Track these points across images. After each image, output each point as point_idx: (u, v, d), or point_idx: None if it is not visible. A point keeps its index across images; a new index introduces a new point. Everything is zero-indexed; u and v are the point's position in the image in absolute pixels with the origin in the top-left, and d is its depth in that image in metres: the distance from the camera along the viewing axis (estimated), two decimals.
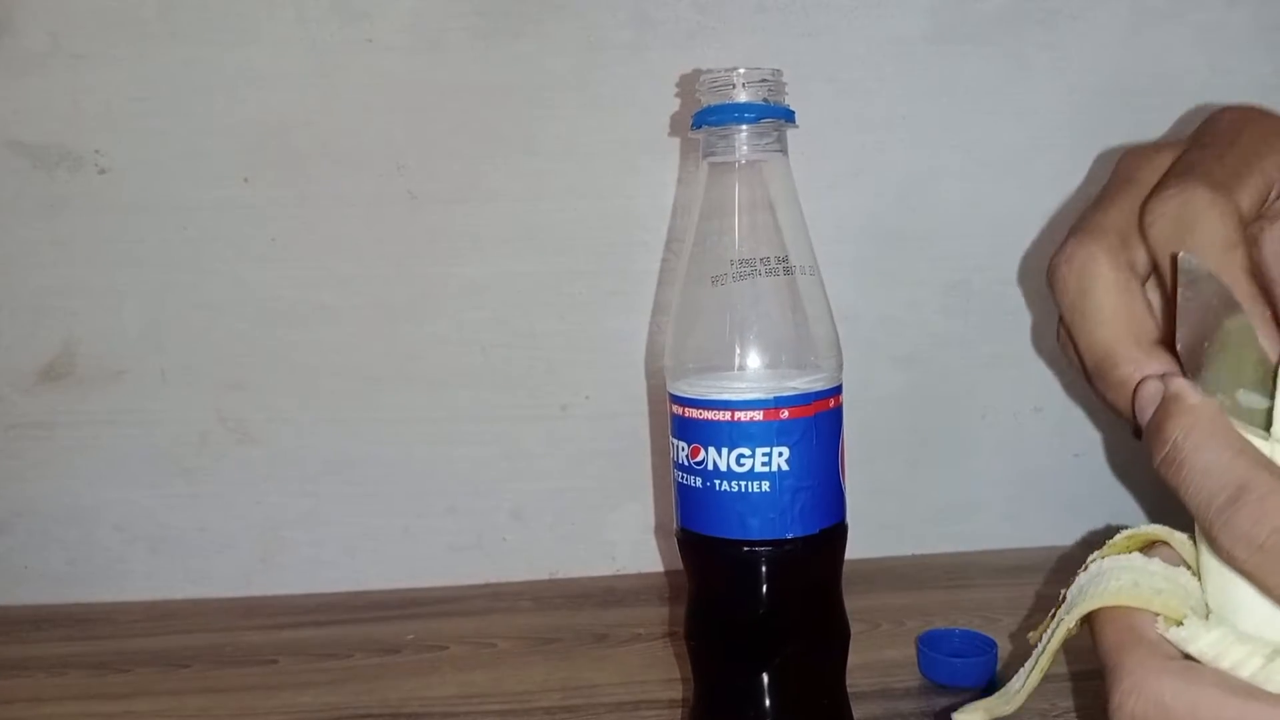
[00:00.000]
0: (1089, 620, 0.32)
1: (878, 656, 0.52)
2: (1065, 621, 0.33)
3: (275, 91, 0.61)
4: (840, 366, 0.39)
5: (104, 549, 0.65)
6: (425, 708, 0.49)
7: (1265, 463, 0.28)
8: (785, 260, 0.37)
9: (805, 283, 0.38)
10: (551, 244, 0.62)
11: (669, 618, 0.59)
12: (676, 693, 0.50)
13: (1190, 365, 0.30)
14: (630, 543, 0.66)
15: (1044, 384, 0.65)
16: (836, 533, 0.39)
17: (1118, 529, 0.34)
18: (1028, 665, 0.35)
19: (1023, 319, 0.64)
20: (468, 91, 0.61)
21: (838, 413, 0.39)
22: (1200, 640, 0.29)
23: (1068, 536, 0.64)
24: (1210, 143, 0.34)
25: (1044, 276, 0.36)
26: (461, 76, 0.61)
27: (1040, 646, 0.35)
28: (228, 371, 0.63)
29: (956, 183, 0.63)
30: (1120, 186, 0.35)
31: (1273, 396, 0.30)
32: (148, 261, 0.62)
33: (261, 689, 0.52)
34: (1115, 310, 0.33)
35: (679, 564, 0.41)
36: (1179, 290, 0.30)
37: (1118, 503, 0.65)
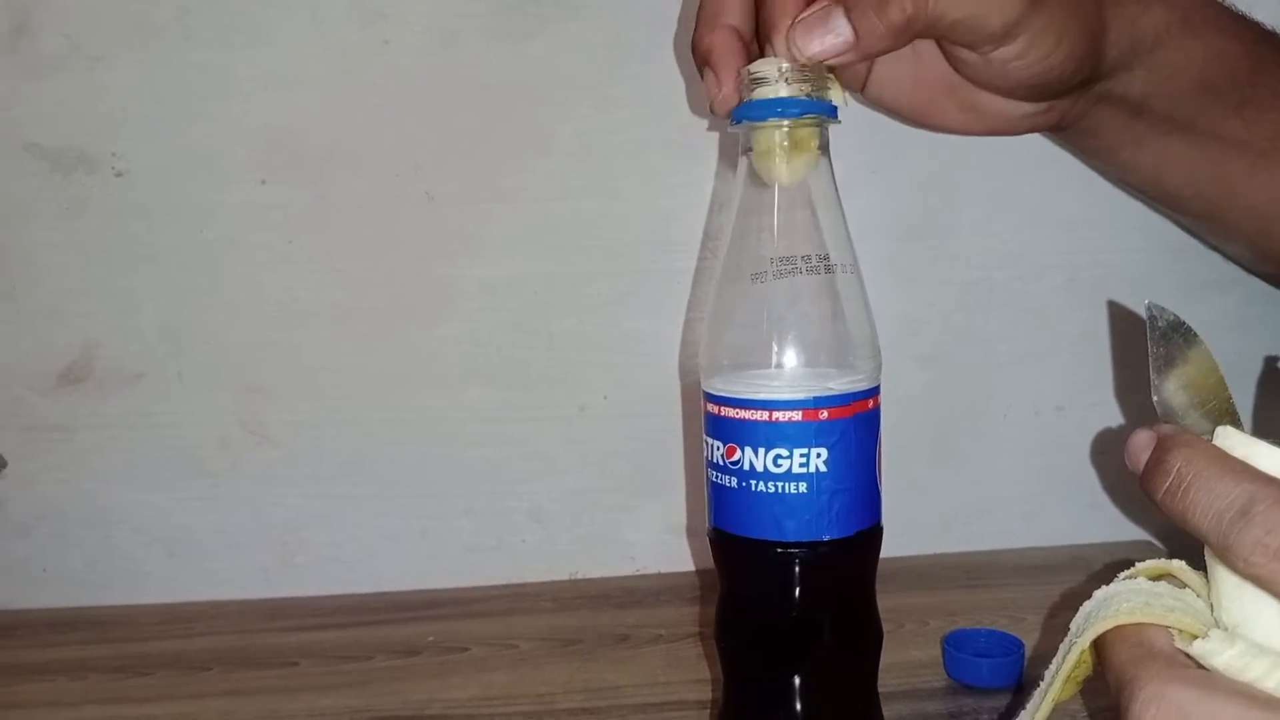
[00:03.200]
0: (1098, 645, 0.31)
1: (903, 657, 0.51)
2: (1078, 644, 0.32)
3: (291, 93, 0.60)
4: (879, 367, 0.38)
5: (123, 552, 0.64)
6: (447, 709, 0.48)
7: (1268, 476, 0.28)
8: (826, 258, 0.36)
9: (845, 281, 0.37)
10: (569, 244, 0.61)
11: (691, 618, 0.58)
12: (701, 693, 0.49)
13: (1171, 410, 0.32)
14: (650, 543, 0.65)
15: (1066, 382, 0.64)
16: (872, 534, 0.38)
17: (1135, 561, 0.33)
18: (1033, 702, 0.34)
19: (1044, 317, 0.63)
20: (484, 92, 0.60)
21: (876, 413, 0.38)
22: (1225, 654, 0.28)
23: (1090, 535, 0.64)
24: None
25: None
26: (478, 77, 0.60)
27: (1047, 679, 0.33)
28: (246, 373, 0.62)
29: (976, 179, 0.62)
30: None
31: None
32: (165, 263, 0.61)
33: (283, 691, 0.51)
34: None
35: (699, 564, 0.40)
36: (1149, 344, 0.32)
37: (1140, 501, 0.64)
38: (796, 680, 0.38)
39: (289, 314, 0.62)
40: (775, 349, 0.36)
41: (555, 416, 0.63)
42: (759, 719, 0.39)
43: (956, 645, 0.49)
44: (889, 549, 0.60)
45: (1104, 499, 0.64)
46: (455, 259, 0.61)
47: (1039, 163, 0.61)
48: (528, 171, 0.61)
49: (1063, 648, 0.33)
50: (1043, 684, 0.34)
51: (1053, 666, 0.33)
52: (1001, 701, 0.46)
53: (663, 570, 0.65)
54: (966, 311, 0.63)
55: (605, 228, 0.61)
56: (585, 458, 0.64)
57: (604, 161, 0.61)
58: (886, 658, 0.47)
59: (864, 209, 0.60)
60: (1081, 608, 0.33)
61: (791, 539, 0.36)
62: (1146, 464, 0.31)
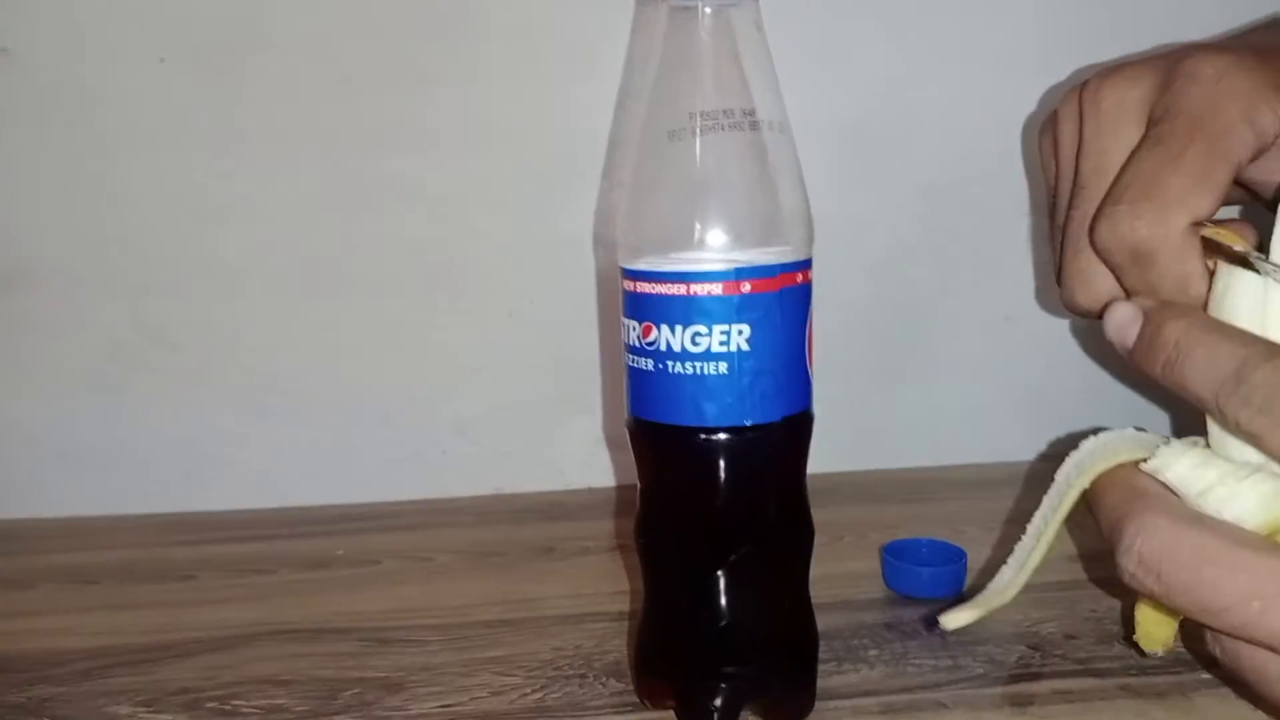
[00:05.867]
0: (1088, 493, 0.32)
1: (840, 569, 0.49)
2: (1076, 485, 0.32)
3: None
4: (810, 239, 0.35)
5: (13, 464, 0.60)
6: (354, 622, 0.45)
7: (1259, 339, 0.29)
8: (751, 114, 0.33)
9: (774, 142, 0.34)
10: (497, 136, 0.57)
11: (625, 531, 0.55)
12: (625, 604, 0.46)
13: None
14: (581, 457, 0.62)
15: (1016, 291, 0.61)
16: (800, 421, 0.35)
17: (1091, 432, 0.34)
18: (1017, 557, 0.34)
19: (996, 223, 0.60)
20: None
21: (806, 290, 0.35)
22: (1175, 467, 0.30)
23: (1037, 452, 0.62)
24: (1169, 136, 0.34)
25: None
26: None
27: (1035, 528, 0.34)
28: (144, 273, 0.58)
29: (930, 79, 0.59)
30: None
31: None
32: (53, 150, 0.56)
33: (176, 605, 0.48)
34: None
35: (633, 478, 0.37)
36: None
37: (1089, 416, 0.62)
38: (720, 578, 0.35)
39: (191, 209, 0.57)
40: (693, 216, 0.33)
41: (480, 323, 0.60)
42: (681, 621, 0.36)
43: (896, 555, 0.47)
44: (828, 464, 0.59)
45: (1052, 414, 0.61)
46: (373, 150, 0.57)
47: (995, 63, 0.58)
48: (454, 56, 0.56)
49: (1050, 498, 0.34)
50: (1027, 536, 0.35)
51: (1040, 517, 0.34)
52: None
53: (595, 485, 0.62)
54: (917, 218, 0.60)
55: (537, 118, 0.57)
56: (512, 367, 0.60)
57: (540, 46, 0.57)
58: (823, 569, 0.45)
59: (811, 107, 0.57)
60: (1069, 458, 0.33)
61: (712, 424, 0.33)
62: (1140, 338, 0.32)
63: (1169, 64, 0.37)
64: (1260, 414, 0.28)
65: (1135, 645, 0.34)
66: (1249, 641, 0.28)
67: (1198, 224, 0.33)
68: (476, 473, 0.61)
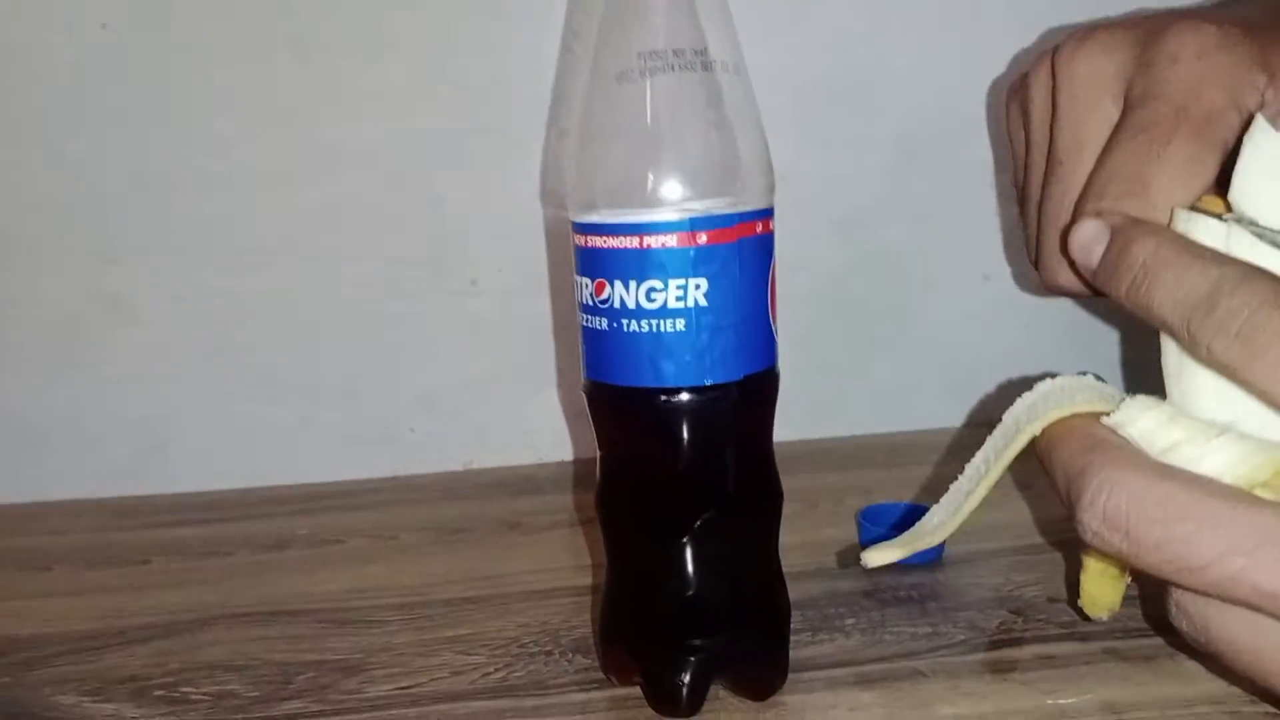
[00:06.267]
0: (1040, 442, 0.29)
1: (815, 536, 0.47)
2: (1026, 430, 0.30)
3: None
4: (771, 187, 0.33)
5: None
6: (310, 603, 0.44)
7: (1233, 259, 0.27)
8: (703, 54, 0.31)
9: (729, 83, 0.32)
10: (457, 96, 0.55)
11: (588, 503, 0.53)
12: (594, 579, 0.45)
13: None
14: (553, 430, 0.60)
15: (993, 249, 0.60)
16: (764, 380, 0.33)
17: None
18: (952, 498, 0.32)
19: (972, 178, 0.59)
20: None
21: (767, 241, 0.33)
22: (1139, 422, 0.28)
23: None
24: (1152, 124, 0.33)
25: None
26: None
27: (974, 474, 0.31)
28: (99, 244, 0.56)
29: (902, 30, 0.57)
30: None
31: None
32: (2, 121, 0.54)
33: (128, 590, 0.46)
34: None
35: (596, 449, 0.36)
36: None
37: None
38: (685, 547, 0.33)
39: (144, 178, 0.55)
40: (644, 164, 0.31)
41: (445, 291, 0.58)
42: (645, 593, 0.35)
43: (873, 520, 0.46)
44: (801, 431, 0.58)
45: (1030, 377, 0.60)
46: (329, 115, 0.55)
47: (970, 13, 0.56)
48: (411, 14, 0.54)
49: (994, 439, 0.31)
50: (964, 478, 0.32)
51: (981, 458, 0.31)
52: (921, 579, 0.43)
53: (568, 459, 0.60)
54: (890, 173, 0.58)
55: (499, 78, 0.55)
56: (480, 337, 0.58)
57: (497, 3, 0.55)
58: (799, 536, 0.45)
59: (777, 60, 0.55)
60: (1020, 399, 0.31)
61: (671, 384, 0.32)
62: (1105, 257, 0.30)
63: (1147, 34, 0.35)
64: (1237, 341, 0.25)
65: (1080, 611, 0.32)
66: (1229, 601, 0.25)
67: None
68: (445, 448, 0.60)
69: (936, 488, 0.51)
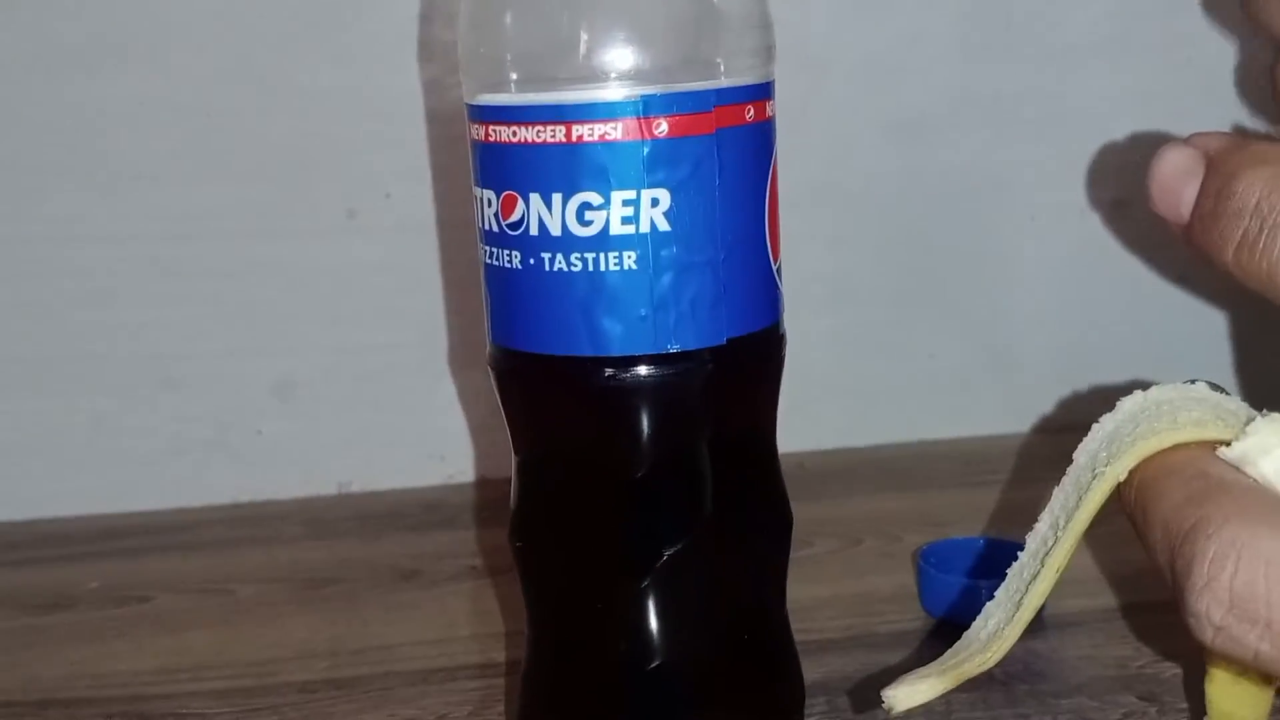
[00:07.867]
0: (1130, 480, 0.28)
1: (857, 587, 0.49)
2: (1098, 484, 0.29)
3: None
4: (770, 54, 0.34)
5: None
6: (98, 690, 0.45)
7: None
8: None
9: None
10: None
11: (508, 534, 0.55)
12: (520, 647, 0.45)
13: None
14: (470, 432, 0.61)
15: (1120, 174, 0.61)
16: (761, 347, 0.34)
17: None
18: (1009, 590, 0.31)
19: (1082, 68, 0.60)
20: None
21: (762, 133, 0.33)
22: (1276, 450, 0.27)
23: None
24: None
25: None
26: None
27: (1036, 550, 0.30)
28: None
29: None
30: None
31: None
32: None
33: None
34: None
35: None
36: None
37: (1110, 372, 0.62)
38: (645, 597, 0.34)
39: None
40: (574, 16, 0.31)
41: (311, 228, 0.59)
42: (584, 666, 0.35)
43: (939, 564, 0.47)
44: (841, 438, 0.59)
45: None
46: None
47: None
48: None
49: (1062, 493, 0.30)
50: (1026, 554, 0.31)
51: (1047, 525, 0.30)
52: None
53: (490, 475, 0.62)
54: (964, 56, 0.60)
55: None
56: (361, 294, 0.59)
57: None
58: (828, 587, 0.47)
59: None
60: (1095, 428, 0.30)
61: (617, 353, 0.32)
62: (1200, 203, 0.29)
63: None
64: None
65: None
66: None
67: None
68: (309, 461, 0.61)
69: (1030, 514, 0.52)
